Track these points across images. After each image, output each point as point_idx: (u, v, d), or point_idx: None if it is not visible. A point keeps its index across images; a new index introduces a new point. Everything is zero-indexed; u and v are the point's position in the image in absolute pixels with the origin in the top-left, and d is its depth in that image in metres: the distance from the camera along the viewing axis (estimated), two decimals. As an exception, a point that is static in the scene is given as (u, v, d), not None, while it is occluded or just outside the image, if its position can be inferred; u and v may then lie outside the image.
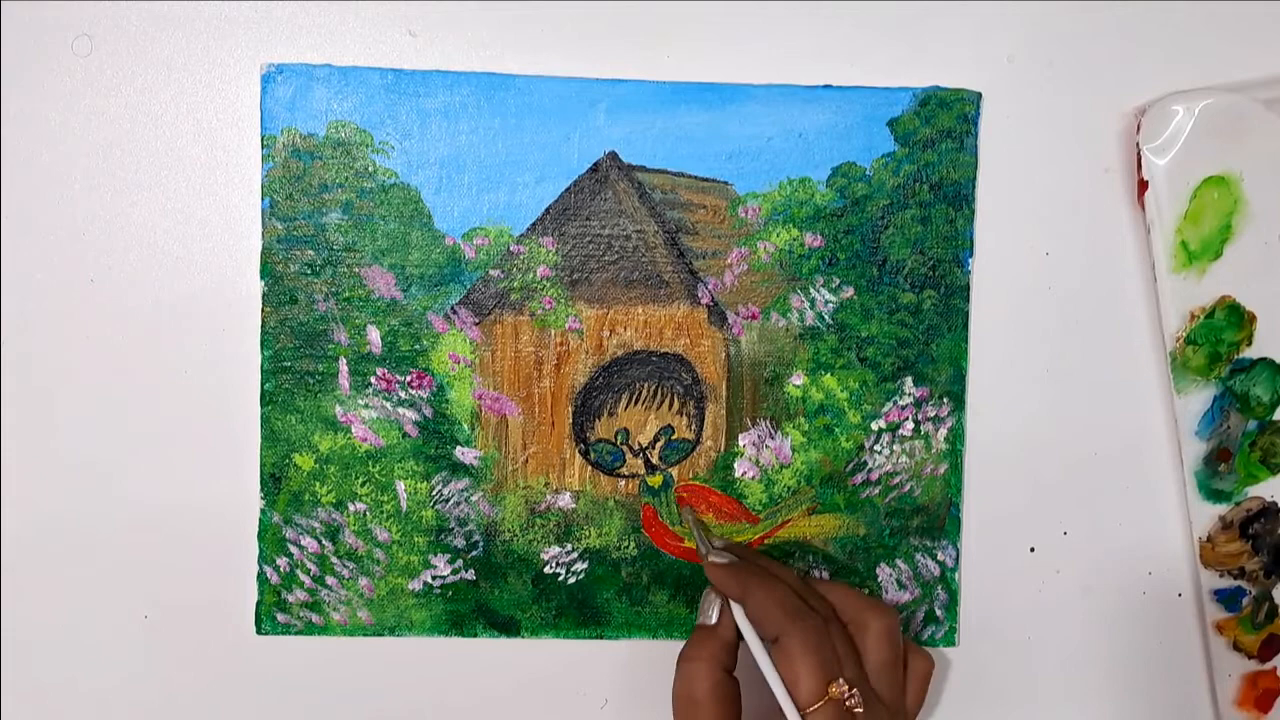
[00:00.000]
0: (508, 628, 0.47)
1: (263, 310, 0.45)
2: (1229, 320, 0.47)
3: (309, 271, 0.45)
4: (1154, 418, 0.48)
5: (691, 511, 0.47)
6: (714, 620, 0.42)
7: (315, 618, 0.47)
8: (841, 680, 0.39)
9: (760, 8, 0.46)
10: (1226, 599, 0.48)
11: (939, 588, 0.48)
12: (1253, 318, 0.47)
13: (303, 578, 0.46)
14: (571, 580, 0.47)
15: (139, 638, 0.47)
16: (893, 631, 0.42)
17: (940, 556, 0.48)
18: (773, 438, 0.47)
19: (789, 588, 0.41)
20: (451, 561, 0.47)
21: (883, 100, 0.46)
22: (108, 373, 0.45)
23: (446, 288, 0.46)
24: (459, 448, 0.46)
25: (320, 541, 0.46)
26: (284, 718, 0.47)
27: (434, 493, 0.47)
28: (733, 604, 0.42)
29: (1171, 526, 0.49)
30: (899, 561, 0.48)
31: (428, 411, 0.46)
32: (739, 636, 0.42)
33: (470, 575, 0.47)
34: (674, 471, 0.47)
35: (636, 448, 0.47)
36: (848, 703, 0.39)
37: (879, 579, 0.48)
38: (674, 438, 0.47)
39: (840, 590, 0.43)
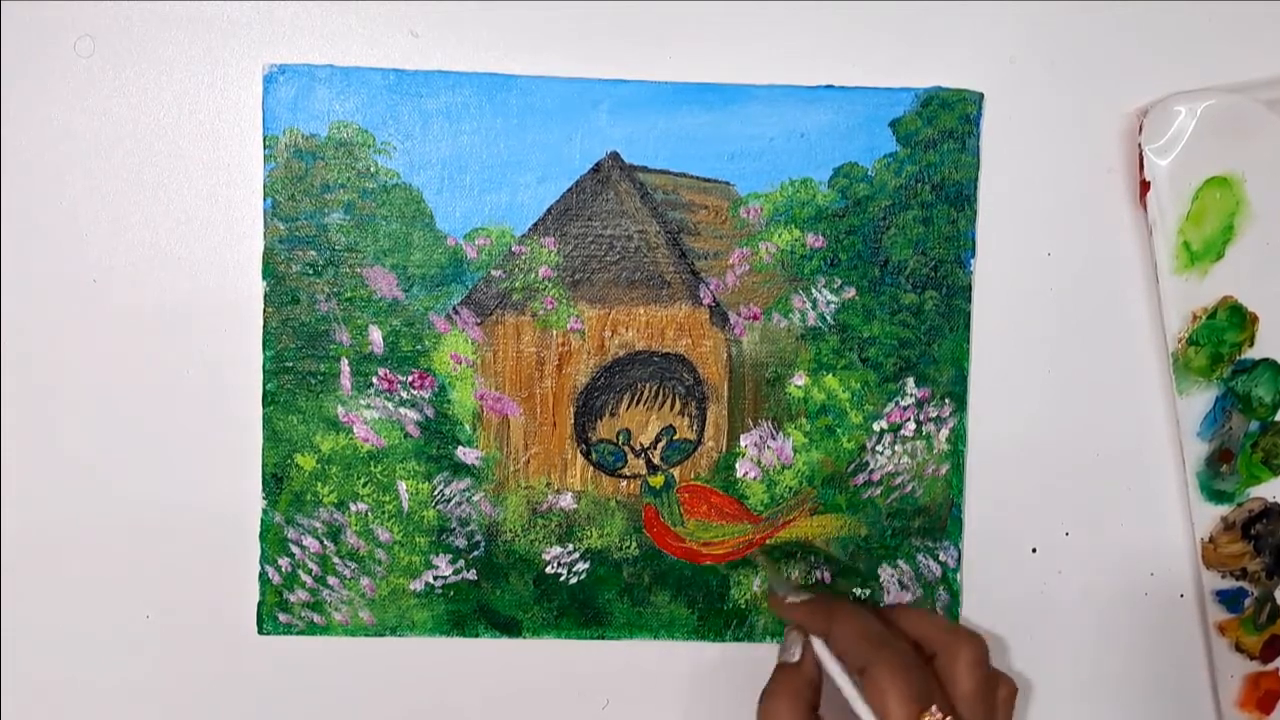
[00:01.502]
0: (509, 628, 0.47)
1: (264, 310, 0.45)
2: (1231, 321, 0.47)
3: (311, 272, 0.45)
4: (1156, 418, 0.48)
5: (763, 551, 0.47)
6: (796, 657, 0.42)
7: (317, 618, 0.47)
8: (935, 709, 0.38)
9: (762, 8, 0.46)
10: (1228, 600, 0.48)
11: (940, 588, 0.48)
12: (1254, 318, 0.47)
13: (304, 578, 0.46)
14: (573, 581, 0.47)
15: (141, 638, 0.47)
16: (982, 659, 0.41)
17: (942, 557, 0.48)
18: (774, 438, 0.47)
19: (873, 618, 0.41)
20: (453, 562, 0.47)
21: (884, 101, 0.46)
22: (109, 373, 0.46)
23: (448, 288, 0.46)
24: (460, 448, 0.46)
25: (322, 541, 0.46)
26: (285, 717, 0.47)
27: (435, 493, 0.47)
28: (814, 639, 0.41)
29: (1173, 527, 0.48)
30: (900, 562, 0.48)
31: (429, 412, 0.46)
32: (821, 674, 0.41)
33: (472, 575, 0.47)
34: (675, 472, 0.47)
35: (638, 448, 0.47)
36: None
37: (880, 579, 0.48)
38: (676, 438, 0.47)
39: (923, 619, 0.43)
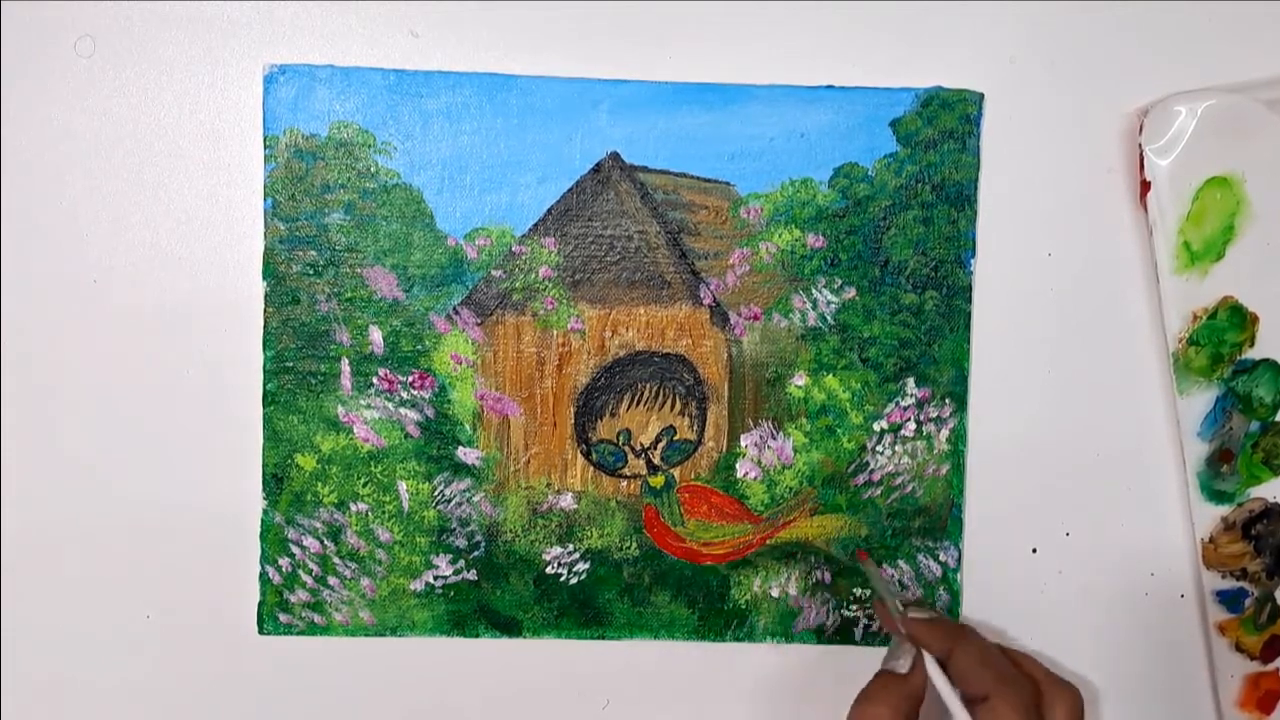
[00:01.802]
0: (509, 628, 0.47)
1: (265, 311, 0.45)
2: (1231, 321, 0.47)
3: (311, 272, 0.45)
4: (1156, 419, 0.48)
5: (873, 564, 0.46)
6: (906, 670, 0.42)
7: (317, 618, 0.47)
8: None
9: (762, 8, 0.46)
10: (1229, 600, 0.48)
11: (941, 588, 0.48)
12: (1255, 319, 0.47)
13: (305, 578, 0.46)
14: (573, 581, 0.47)
15: (141, 638, 0.47)
16: (1079, 710, 0.42)
17: (942, 557, 0.48)
18: (774, 438, 0.47)
19: (995, 648, 0.41)
20: (453, 562, 0.47)
21: (885, 101, 0.46)
22: (110, 373, 0.46)
23: (448, 288, 0.46)
24: (461, 448, 0.46)
25: (322, 542, 0.46)
26: (286, 718, 0.47)
27: (436, 493, 0.47)
28: (930, 658, 0.41)
29: (1173, 527, 0.48)
30: (901, 562, 0.48)
31: (429, 412, 0.46)
32: (925, 691, 0.41)
33: (472, 576, 0.47)
34: (676, 472, 0.47)
35: (638, 448, 0.47)
36: None
37: (881, 580, 0.48)
38: (676, 438, 0.47)
39: (1031, 662, 0.43)
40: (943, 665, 0.41)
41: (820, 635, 0.48)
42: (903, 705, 0.41)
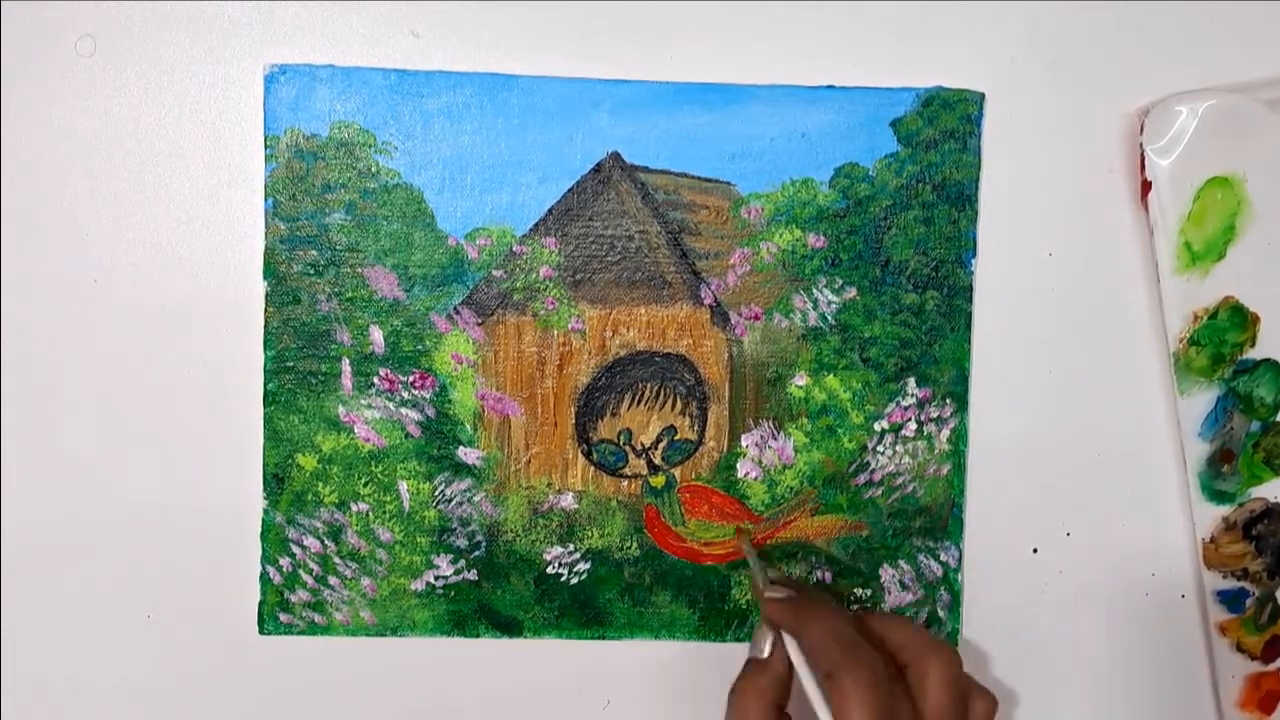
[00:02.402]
0: (510, 628, 0.47)
1: (265, 310, 0.45)
2: (1232, 321, 0.47)
3: (312, 272, 0.45)
4: (1157, 419, 0.48)
5: (748, 542, 0.47)
6: (766, 654, 0.41)
7: (318, 618, 0.47)
8: None
9: (763, 8, 0.46)
10: (1229, 600, 0.48)
11: (941, 589, 0.48)
12: (1256, 319, 0.47)
13: (305, 578, 0.46)
14: (574, 581, 0.47)
15: (141, 638, 0.47)
16: (955, 674, 0.40)
17: (943, 557, 0.48)
18: (775, 438, 0.47)
19: (847, 622, 0.40)
20: (454, 562, 0.47)
21: (886, 101, 0.46)
22: (110, 373, 0.46)
23: (449, 288, 0.46)
24: (461, 448, 0.46)
25: (323, 541, 0.46)
26: (286, 718, 0.47)
27: (436, 493, 0.47)
28: (787, 638, 0.41)
29: (1174, 528, 0.48)
30: (901, 562, 0.48)
31: (430, 412, 0.46)
32: (792, 671, 0.41)
33: (472, 575, 0.47)
34: (676, 472, 0.47)
35: (639, 448, 0.47)
36: None
37: (881, 580, 0.48)
38: (676, 438, 0.47)
39: (900, 627, 0.42)
40: (800, 644, 0.40)
41: (821, 635, 0.48)
42: (769, 690, 0.40)
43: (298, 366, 0.46)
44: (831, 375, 0.47)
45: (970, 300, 0.47)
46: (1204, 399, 0.47)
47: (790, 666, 0.41)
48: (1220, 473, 0.47)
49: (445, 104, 0.45)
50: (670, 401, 0.47)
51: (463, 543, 0.47)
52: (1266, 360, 0.47)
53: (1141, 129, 0.46)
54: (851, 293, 0.47)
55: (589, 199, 0.46)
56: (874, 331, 0.47)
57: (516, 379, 0.46)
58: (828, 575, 0.48)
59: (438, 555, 0.47)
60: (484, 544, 0.47)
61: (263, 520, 0.46)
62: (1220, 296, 0.46)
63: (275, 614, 0.47)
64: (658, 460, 0.47)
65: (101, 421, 0.46)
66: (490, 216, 0.46)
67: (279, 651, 0.47)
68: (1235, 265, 0.46)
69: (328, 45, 0.45)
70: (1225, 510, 0.48)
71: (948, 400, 0.47)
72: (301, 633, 0.47)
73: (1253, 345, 0.47)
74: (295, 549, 0.46)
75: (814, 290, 0.47)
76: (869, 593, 0.48)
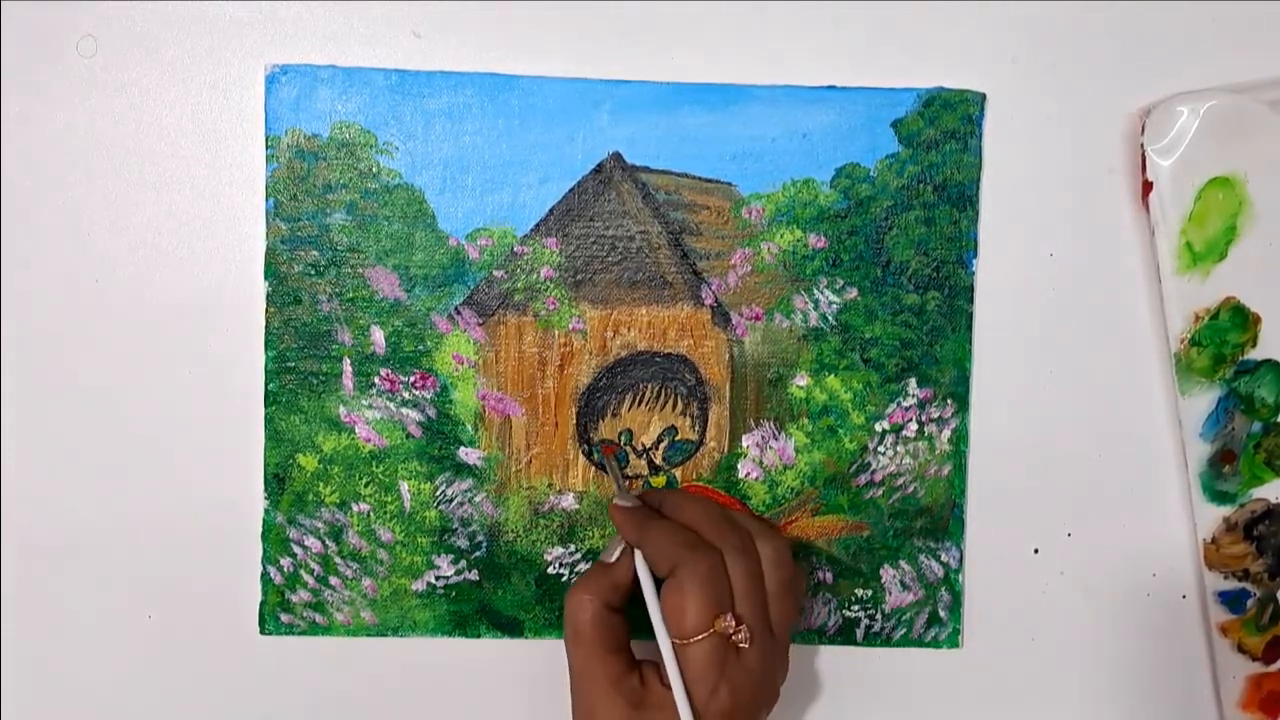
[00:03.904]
0: (511, 628, 0.47)
1: (267, 311, 0.45)
2: (1233, 322, 0.47)
3: (313, 272, 0.45)
4: (1158, 419, 0.48)
5: (612, 457, 0.47)
6: (613, 559, 0.42)
7: (319, 618, 0.47)
8: (729, 615, 0.39)
9: (764, 8, 0.46)
10: (1231, 601, 0.48)
11: (942, 589, 0.48)
12: (1257, 319, 0.47)
13: (306, 578, 0.46)
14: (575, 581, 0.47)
15: (143, 638, 0.47)
16: (782, 556, 0.42)
17: (944, 557, 0.48)
18: (776, 439, 0.47)
19: (684, 529, 0.41)
20: (455, 562, 0.47)
21: (887, 101, 0.46)
22: (111, 373, 0.46)
23: (450, 288, 0.46)
24: (462, 448, 0.46)
25: (324, 542, 0.46)
26: (287, 718, 0.47)
27: (437, 493, 0.47)
28: (636, 548, 0.42)
29: (1175, 528, 0.48)
30: (902, 562, 0.48)
31: (431, 412, 0.46)
32: (633, 579, 0.42)
33: (473, 576, 0.47)
34: (678, 472, 0.47)
35: (640, 449, 0.47)
36: (733, 637, 0.39)
37: (882, 580, 0.48)
38: (677, 439, 0.47)
39: (735, 522, 0.43)
40: (644, 553, 0.42)
41: (821, 635, 0.48)
42: (605, 591, 0.42)
43: (299, 367, 0.46)
44: (832, 375, 0.47)
45: (971, 301, 0.47)
46: (1205, 399, 0.47)
47: (634, 574, 0.42)
48: (1221, 473, 0.47)
49: (446, 104, 0.45)
50: (671, 402, 0.47)
51: (464, 543, 0.47)
52: (1268, 361, 0.47)
53: (1143, 129, 0.46)
54: (852, 293, 0.47)
55: (590, 199, 0.46)
56: (875, 332, 0.47)
57: (517, 379, 0.46)
58: (829, 575, 0.48)
59: (439, 555, 0.47)
60: (485, 544, 0.47)
61: (264, 520, 0.46)
62: (1221, 297, 0.46)
63: (276, 614, 0.47)
64: (659, 461, 0.47)
65: (102, 422, 0.46)
66: (491, 217, 0.46)
67: (280, 651, 0.47)
68: (1236, 265, 0.46)
69: (329, 45, 0.45)
70: (1226, 511, 0.48)
71: (949, 400, 0.47)
72: (302, 633, 0.47)
73: (1254, 346, 0.47)
74: (296, 549, 0.46)
75: (815, 290, 0.47)
76: (870, 593, 0.48)
